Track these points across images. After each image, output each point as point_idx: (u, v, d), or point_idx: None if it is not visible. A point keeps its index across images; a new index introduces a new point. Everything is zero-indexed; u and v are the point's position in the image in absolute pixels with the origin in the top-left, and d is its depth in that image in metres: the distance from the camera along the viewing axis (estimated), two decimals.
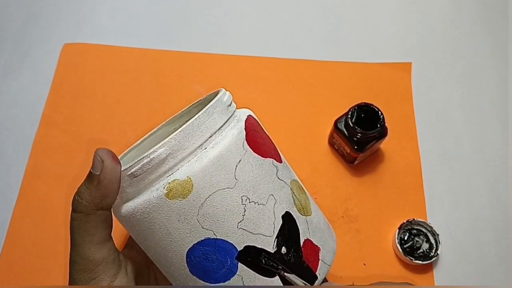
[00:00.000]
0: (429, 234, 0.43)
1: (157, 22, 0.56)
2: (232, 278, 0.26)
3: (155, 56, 0.53)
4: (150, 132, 0.34)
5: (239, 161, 0.26)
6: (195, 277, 0.27)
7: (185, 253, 0.26)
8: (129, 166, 0.26)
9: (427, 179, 0.46)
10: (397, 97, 0.51)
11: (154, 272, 0.33)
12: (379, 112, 0.43)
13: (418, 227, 0.43)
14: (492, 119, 0.50)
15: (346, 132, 0.44)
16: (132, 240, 0.34)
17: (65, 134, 0.48)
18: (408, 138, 0.48)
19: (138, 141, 0.34)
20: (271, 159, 0.29)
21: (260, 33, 0.55)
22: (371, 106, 0.43)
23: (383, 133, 0.44)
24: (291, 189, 0.29)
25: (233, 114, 0.29)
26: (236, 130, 0.27)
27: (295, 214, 0.28)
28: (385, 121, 0.43)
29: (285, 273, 0.27)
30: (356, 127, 0.42)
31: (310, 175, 0.46)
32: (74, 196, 0.27)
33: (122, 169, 0.26)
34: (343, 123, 0.44)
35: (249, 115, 0.30)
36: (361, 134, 0.42)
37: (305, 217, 0.29)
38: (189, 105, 0.33)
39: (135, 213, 0.26)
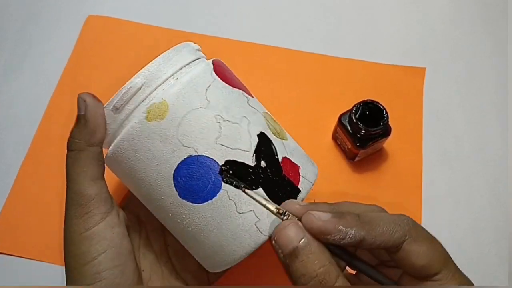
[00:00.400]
0: None
1: (157, 23, 0.56)
2: (218, 194, 0.28)
3: (171, 34, 0.54)
4: None
5: (209, 86, 0.29)
6: (184, 200, 0.28)
7: (172, 176, 0.28)
8: (110, 101, 0.29)
9: (427, 179, 0.46)
10: (407, 100, 0.50)
11: (146, 230, 0.35)
12: (384, 110, 0.42)
13: None
14: (492, 119, 0.50)
15: (349, 128, 0.44)
16: (125, 202, 0.35)
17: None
18: (413, 141, 0.48)
19: None
20: (241, 91, 0.31)
21: (260, 33, 0.55)
22: (376, 104, 0.43)
23: (386, 132, 0.43)
24: (264, 117, 0.31)
25: (201, 57, 0.32)
26: (203, 63, 0.31)
27: (270, 135, 0.30)
28: (389, 120, 0.42)
29: (246, 190, 0.28)
30: (359, 123, 0.42)
31: None
32: (68, 138, 0.29)
33: (104, 106, 0.29)
34: (347, 118, 0.44)
35: (218, 59, 0.32)
36: (363, 130, 0.42)
37: (281, 140, 0.31)
38: None
39: (121, 145, 0.29)
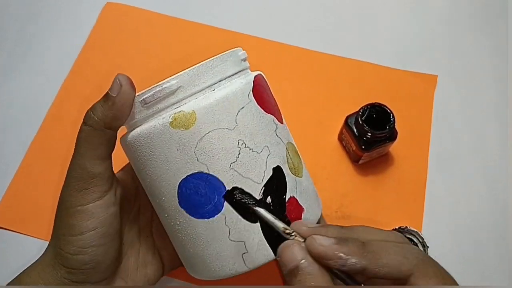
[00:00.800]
0: (419, 245, 0.41)
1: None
2: (216, 216, 0.28)
3: (184, 25, 0.55)
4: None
5: (242, 107, 0.28)
6: (182, 209, 0.28)
7: (178, 184, 0.28)
8: (142, 93, 0.28)
9: (428, 179, 0.46)
10: (417, 107, 0.50)
11: (139, 203, 0.35)
12: (391, 114, 0.42)
13: (409, 236, 0.41)
14: (492, 119, 0.50)
15: (355, 130, 0.44)
16: (130, 167, 0.35)
17: (90, 84, 0.50)
18: (419, 148, 0.48)
19: None
20: (273, 117, 0.30)
21: (260, 33, 0.55)
22: (383, 107, 0.43)
23: (392, 136, 0.43)
24: (286, 148, 0.31)
25: (245, 69, 0.31)
26: (244, 80, 0.29)
27: (286, 171, 0.30)
28: (397, 125, 0.42)
29: (257, 207, 0.28)
30: (365, 125, 0.42)
31: (313, 165, 0.45)
32: (88, 111, 0.29)
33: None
34: (354, 120, 0.44)
35: (260, 74, 0.32)
36: (369, 133, 0.42)
37: (295, 177, 0.30)
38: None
39: (140, 138, 0.28)
